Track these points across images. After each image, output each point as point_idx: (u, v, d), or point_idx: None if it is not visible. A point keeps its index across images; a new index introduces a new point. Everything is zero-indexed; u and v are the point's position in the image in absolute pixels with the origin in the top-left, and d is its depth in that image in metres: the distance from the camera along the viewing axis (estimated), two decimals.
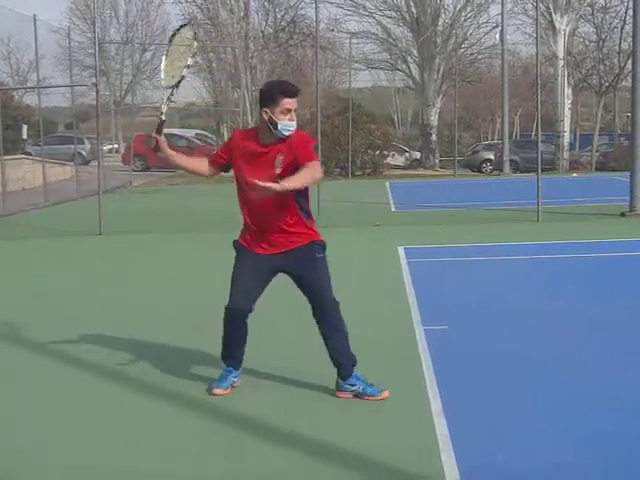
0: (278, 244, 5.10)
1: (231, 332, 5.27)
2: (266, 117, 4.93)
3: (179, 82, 5.09)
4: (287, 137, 4.96)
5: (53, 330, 7.23)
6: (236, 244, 5.24)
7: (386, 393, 5.11)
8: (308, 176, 4.88)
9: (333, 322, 5.18)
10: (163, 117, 5.01)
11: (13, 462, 4.35)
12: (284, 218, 5.03)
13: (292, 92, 4.98)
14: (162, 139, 5.00)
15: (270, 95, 4.96)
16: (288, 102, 4.92)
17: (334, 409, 4.99)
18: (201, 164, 5.38)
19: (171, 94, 5.14)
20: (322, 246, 5.17)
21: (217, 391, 5.26)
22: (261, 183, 4.62)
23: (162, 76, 5.22)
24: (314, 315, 5.21)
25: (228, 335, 5.29)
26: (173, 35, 5.34)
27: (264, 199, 4.90)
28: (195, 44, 5.16)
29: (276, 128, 4.92)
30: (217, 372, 5.78)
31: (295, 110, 4.97)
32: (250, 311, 5.20)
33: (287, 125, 4.93)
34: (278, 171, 4.92)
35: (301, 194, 5.05)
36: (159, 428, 4.78)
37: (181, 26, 5.35)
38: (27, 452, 4.47)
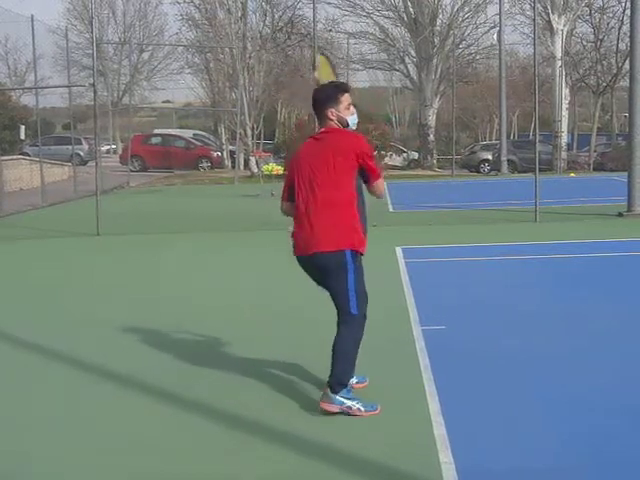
0: None
1: (359, 344, 5.01)
2: (334, 117, 5.00)
3: None
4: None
5: (52, 330, 7.24)
6: (354, 254, 4.90)
7: (378, 410, 4.92)
8: None
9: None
10: None
11: (14, 462, 4.36)
12: None
13: (347, 88, 5.18)
14: None
15: (331, 95, 5.05)
16: (347, 97, 5.07)
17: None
18: None
19: None
20: None
21: (378, 409, 4.92)
22: None
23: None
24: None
25: (358, 348, 4.98)
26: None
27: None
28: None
29: (347, 125, 5.05)
30: (215, 370, 5.80)
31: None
32: None
33: (354, 119, 5.09)
34: None
35: None
36: (159, 428, 4.79)
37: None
38: (28, 453, 4.48)
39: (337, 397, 4.83)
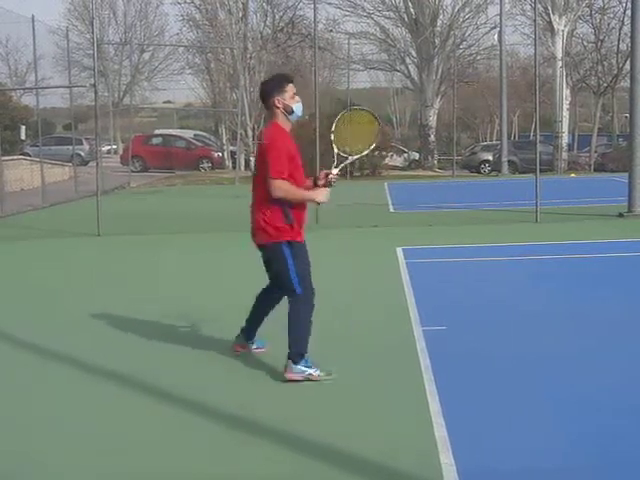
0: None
1: (311, 317, 5.51)
2: (280, 105, 5.35)
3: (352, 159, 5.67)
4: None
5: (52, 330, 7.24)
6: (290, 243, 5.43)
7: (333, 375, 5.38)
8: None
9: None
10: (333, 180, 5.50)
11: (14, 462, 4.36)
12: None
13: (291, 78, 5.61)
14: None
15: (277, 85, 5.42)
16: (292, 87, 5.42)
17: (333, 410, 4.99)
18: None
19: (342, 163, 5.61)
20: None
21: (333, 375, 5.43)
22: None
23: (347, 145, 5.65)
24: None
25: (310, 320, 5.50)
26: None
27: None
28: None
29: (292, 112, 5.39)
30: (215, 370, 5.80)
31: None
32: None
33: (299, 107, 5.44)
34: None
35: None
36: (159, 428, 4.78)
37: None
38: (28, 453, 4.48)
39: (297, 367, 5.37)
